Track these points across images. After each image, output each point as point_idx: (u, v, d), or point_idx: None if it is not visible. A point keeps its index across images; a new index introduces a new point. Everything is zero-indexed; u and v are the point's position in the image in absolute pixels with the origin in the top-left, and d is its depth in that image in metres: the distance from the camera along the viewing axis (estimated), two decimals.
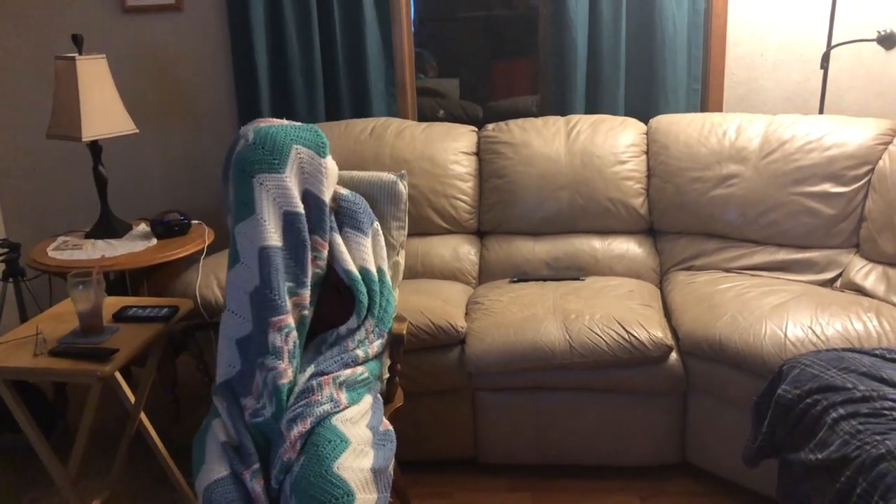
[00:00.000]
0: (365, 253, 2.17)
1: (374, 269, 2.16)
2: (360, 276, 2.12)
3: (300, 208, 2.02)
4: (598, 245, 2.99)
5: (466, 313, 2.69)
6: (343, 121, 3.25)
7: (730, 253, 2.88)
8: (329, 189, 2.10)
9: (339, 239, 2.15)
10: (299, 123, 2.12)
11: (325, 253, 2.09)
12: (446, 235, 3.09)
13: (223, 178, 2.10)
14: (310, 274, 2.04)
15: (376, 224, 2.25)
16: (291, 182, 2.01)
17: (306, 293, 2.02)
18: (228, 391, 1.96)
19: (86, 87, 2.81)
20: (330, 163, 2.12)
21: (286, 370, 1.93)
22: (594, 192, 2.97)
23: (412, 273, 2.93)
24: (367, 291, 2.13)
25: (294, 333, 1.97)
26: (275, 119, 2.17)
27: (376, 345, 2.12)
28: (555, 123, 3.10)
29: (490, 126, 3.17)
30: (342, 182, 2.35)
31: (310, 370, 1.98)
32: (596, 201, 2.97)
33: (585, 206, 2.98)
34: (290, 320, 1.97)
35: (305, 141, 2.06)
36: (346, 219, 2.19)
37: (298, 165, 2.03)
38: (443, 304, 2.66)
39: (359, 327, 2.10)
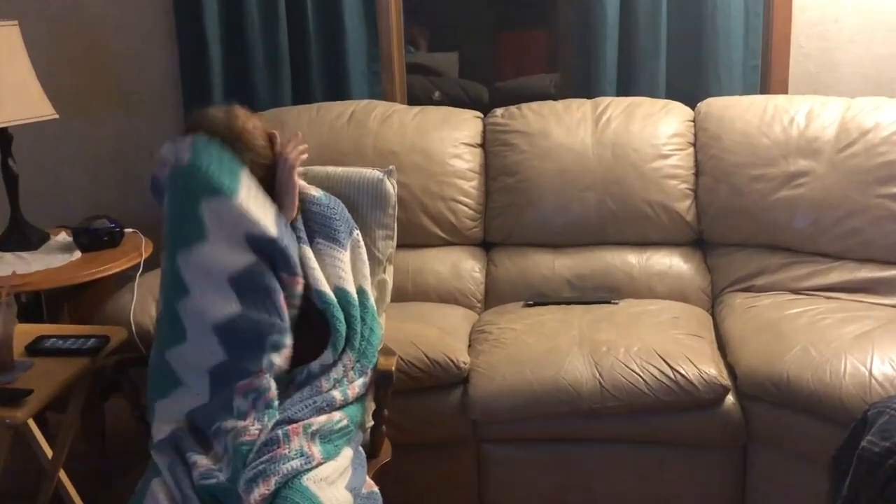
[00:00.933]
0: (342, 270, 2.17)
1: (353, 290, 2.16)
2: (335, 299, 2.12)
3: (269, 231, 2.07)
4: (633, 260, 2.99)
5: (470, 345, 2.68)
6: (314, 104, 3.25)
7: (799, 270, 2.87)
8: (270, 222, 2.09)
9: (309, 252, 2.15)
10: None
11: (300, 288, 2.10)
12: (444, 248, 3.08)
13: (155, 195, 2.14)
14: (287, 318, 2.06)
15: (356, 233, 2.25)
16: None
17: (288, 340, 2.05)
18: (171, 447, 1.95)
19: None
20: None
21: (247, 427, 1.93)
22: (629, 193, 2.96)
23: (402, 295, 2.93)
24: (346, 318, 2.13)
25: (270, 393, 1.99)
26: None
27: (358, 385, 2.11)
28: (579, 108, 3.10)
29: (498, 111, 3.17)
30: (315, 181, 2.35)
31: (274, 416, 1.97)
32: (631, 205, 2.97)
33: (618, 212, 2.97)
34: (266, 379, 1.99)
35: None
36: (318, 227, 2.19)
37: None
38: (440, 334, 2.64)
39: (335, 363, 2.09)
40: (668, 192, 2.97)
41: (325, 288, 2.12)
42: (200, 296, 2.01)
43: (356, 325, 2.13)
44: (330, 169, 2.40)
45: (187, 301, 2.02)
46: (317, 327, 2.11)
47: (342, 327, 2.10)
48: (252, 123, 2.20)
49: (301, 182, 2.25)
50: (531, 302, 2.92)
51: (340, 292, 2.14)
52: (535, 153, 3.02)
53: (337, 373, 2.09)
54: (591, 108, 3.09)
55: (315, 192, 2.26)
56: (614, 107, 3.08)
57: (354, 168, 2.40)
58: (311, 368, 2.07)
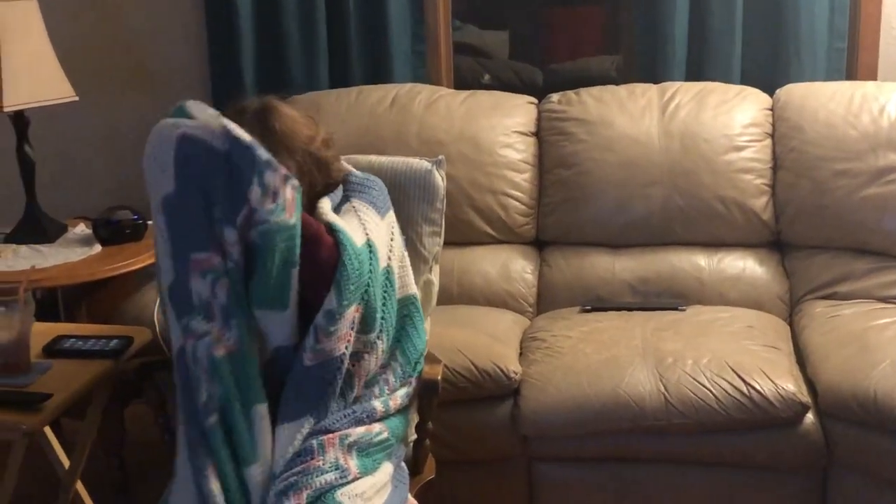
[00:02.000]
0: (378, 232, 2.11)
1: (383, 255, 2.11)
2: (350, 237, 2.03)
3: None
4: (703, 262, 2.98)
5: (521, 353, 2.69)
6: (353, 88, 3.26)
7: (888, 276, 2.85)
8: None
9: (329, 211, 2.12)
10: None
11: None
12: (493, 246, 3.09)
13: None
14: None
15: (392, 215, 2.20)
16: None
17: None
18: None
19: (8, 37, 2.84)
20: None
21: (222, 336, 1.91)
22: (699, 188, 2.95)
23: (446, 297, 2.91)
24: (382, 302, 2.08)
25: (225, 281, 1.93)
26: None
27: (400, 395, 2.11)
28: (644, 94, 3.09)
29: (554, 96, 3.17)
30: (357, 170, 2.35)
31: (308, 423, 1.97)
32: (701, 201, 2.96)
33: (686, 209, 2.97)
34: (216, 261, 1.93)
35: None
36: (352, 193, 2.17)
37: None
38: (489, 341, 2.65)
39: (378, 365, 2.08)
40: (742, 188, 2.95)
41: (357, 238, 2.04)
42: None
43: (388, 315, 2.09)
44: (374, 158, 2.40)
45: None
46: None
47: (358, 274, 1.99)
48: (290, 117, 2.14)
49: (342, 164, 2.24)
50: (588, 307, 2.91)
51: (371, 246, 2.07)
52: (595, 143, 3.02)
53: (378, 380, 2.09)
54: (657, 94, 3.08)
55: (355, 171, 2.26)
56: (683, 93, 3.07)
57: (400, 158, 2.40)
58: (317, 322, 1.98)
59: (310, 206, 2.08)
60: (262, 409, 1.93)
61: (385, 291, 2.10)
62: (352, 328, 2.00)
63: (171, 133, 1.95)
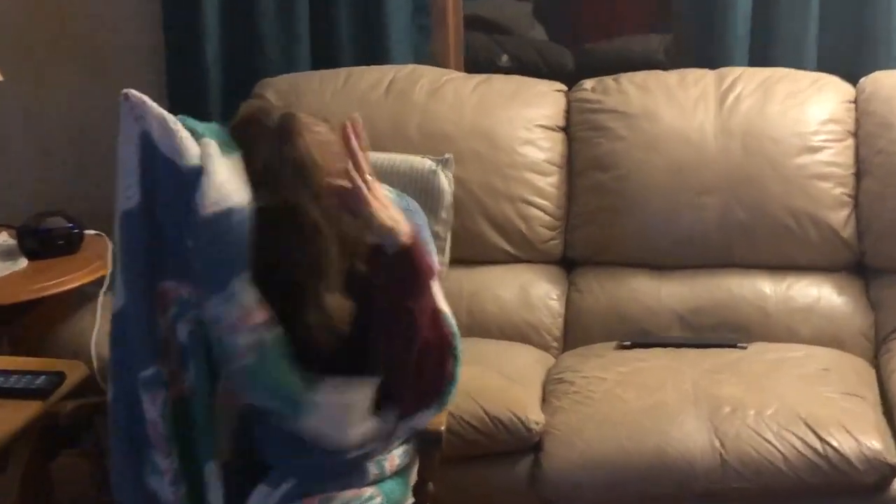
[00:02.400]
0: None
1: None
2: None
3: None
4: (768, 289, 2.98)
5: (544, 399, 2.68)
6: (341, 69, 3.26)
7: None
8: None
9: None
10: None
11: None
12: (511, 265, 3.09)
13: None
14: None
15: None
16: None
17: None
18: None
19: None
20: None
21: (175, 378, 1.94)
22: (765, 198, 2.95)
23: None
24: None
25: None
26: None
27: (398, 453, 2.11)
28: (698, 81, 3.10)
29: (588, 83, 3.17)
30: None
31: (285, 484, 1.98)
32: (767, 215, 2.96)
33: (749, 223, 2.97)
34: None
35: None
36: None
37: None
38: (505, 383, 2.65)
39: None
40: (817, 199, 2.96)
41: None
42: None
43: None
44: (370, 154, 2.39)
45: None
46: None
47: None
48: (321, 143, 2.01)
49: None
50: (628, 343, 2.91)
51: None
52: (638, 141, 3.02)
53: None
54: (714, 83, 3.08)
55: (385, 189, 2.20)
56: (746, 80, 3.07)
57: (398, 155, 2.41)
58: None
59: (348, 275, 1.98)
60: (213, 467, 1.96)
61: None
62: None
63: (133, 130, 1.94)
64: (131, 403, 1.96)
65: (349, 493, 1.99)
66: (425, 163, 2.38)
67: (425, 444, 2.15)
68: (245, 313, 1.87)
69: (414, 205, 2.21)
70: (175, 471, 1.95)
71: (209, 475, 1.94)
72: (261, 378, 1.92)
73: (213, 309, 1.88)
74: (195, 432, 1.94)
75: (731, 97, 3.04)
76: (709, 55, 3.25)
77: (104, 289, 2.80)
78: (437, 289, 2.00)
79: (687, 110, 3.03)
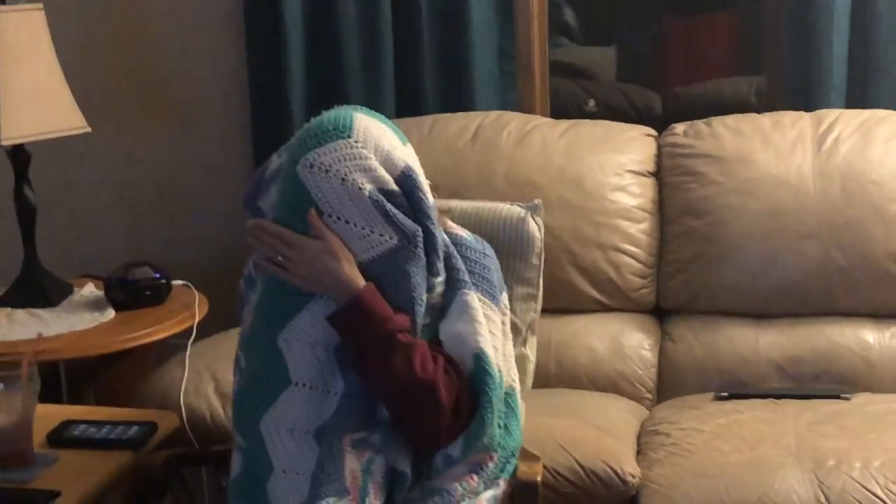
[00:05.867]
0: (495, 333, 2.12)
1: (496, 364, 2.13)
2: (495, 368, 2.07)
3: None
4: (872, 339, 2.96)
5: (639, 451, 2.67)
6: (426, 117, 3.29)
7: None
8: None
9: (475, 302, 2.10)
10: None
11: None
12: (601, 314, 3.10)
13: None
14: None
15: (506, 297, 2.22)
16: None
17: None
18: None
19: (10, 55, 2.89)
20: None
21: None
22: (866, 244, 2.94)
23: (543, 377, 2.90)
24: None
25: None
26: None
27: (486, 499, 2.08)
28: (794, 124, 3.09)
29: (679, 127, 3.18)
30: None
31: None
32: (869, 261, 2.94)
33: (850, 270, 2.95)
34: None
35: None
36: (476, 279, 2.14)
37: None
38: (598, 435, 2.63)
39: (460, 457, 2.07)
40: None
41: (489, 349, 2.06)
42: None
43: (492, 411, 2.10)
44: (453, 203, 2.40)
45: None
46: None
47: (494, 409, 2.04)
48: None
49: (446, 220, 2.20)
50: (725, 394, 2.88)
51: (480, 357, 2.07)
52: (733, 186, 3.02)
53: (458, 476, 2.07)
54: (811, 125, 3.08)
55: (460, 230, 2.21)
56: (844, 123, 3.06)
57: (486, 202, 2.41)
58: (434, 464, 2.03)
59: None
60: None
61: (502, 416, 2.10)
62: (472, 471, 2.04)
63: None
64: None
65: None
66: (514, 209, 2.37)
67: (520, 495, 2.13)
68: None
69: (489, 249, 2.19)
70: None
71: None
72: None
73: None
74: None
75: (830, 139, 3.03)
76: (803, 97, 3.25)
77: (191, 340, 2.86)
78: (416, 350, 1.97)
79: (783, 154, 3.02)
